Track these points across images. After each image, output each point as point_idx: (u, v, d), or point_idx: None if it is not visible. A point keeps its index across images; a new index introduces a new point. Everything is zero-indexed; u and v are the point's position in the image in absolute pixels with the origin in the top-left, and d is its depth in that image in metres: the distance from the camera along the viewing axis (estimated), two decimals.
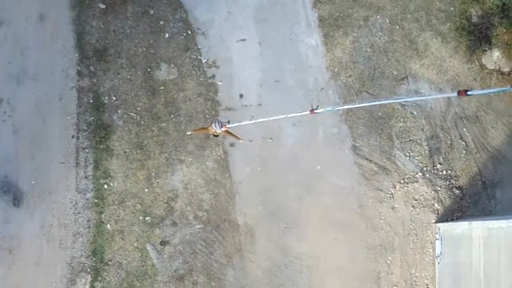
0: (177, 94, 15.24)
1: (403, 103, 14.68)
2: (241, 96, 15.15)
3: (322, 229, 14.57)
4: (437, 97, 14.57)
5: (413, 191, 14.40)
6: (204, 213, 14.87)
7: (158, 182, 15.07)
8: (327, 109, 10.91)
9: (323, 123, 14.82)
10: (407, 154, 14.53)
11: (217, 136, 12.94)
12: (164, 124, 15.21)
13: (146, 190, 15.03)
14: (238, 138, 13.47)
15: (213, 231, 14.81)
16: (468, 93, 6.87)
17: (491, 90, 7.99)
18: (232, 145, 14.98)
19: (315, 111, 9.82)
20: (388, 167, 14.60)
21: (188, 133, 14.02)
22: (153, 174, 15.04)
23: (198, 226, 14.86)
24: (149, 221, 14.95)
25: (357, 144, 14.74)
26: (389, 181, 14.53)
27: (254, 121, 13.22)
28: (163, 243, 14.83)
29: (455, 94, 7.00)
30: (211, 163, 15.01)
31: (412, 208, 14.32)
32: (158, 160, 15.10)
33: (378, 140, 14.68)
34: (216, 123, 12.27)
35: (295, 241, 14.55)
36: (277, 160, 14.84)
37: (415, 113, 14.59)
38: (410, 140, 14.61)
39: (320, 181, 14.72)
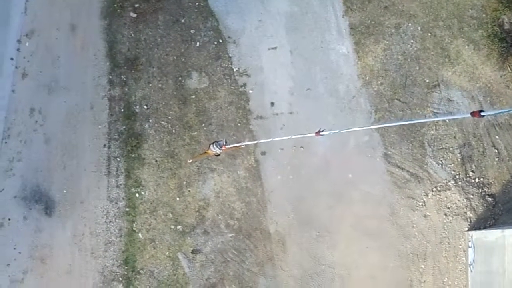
0: (208, 103, 17.76)
1: (435, 110, 17.12)
2: (272, 104, 17.63)
3: (354, 238, 16.70)
4: (448, 118, 16.63)
5: (445, 199, 16.65)
6: (236, 222, 17.15)
7: (189, 191, 17.45)
8: (333, 131, 11.91)
9: (355, 131, 16.98)
10: (440, 162, 16.88)
11: (218, 155, 14.89)
12: (196, 133, 17.66)
13: (178, 199, 17.38)
14: (239, 147, 15.85)
15: (245, 240, 17.06)
16: (482, 114, 7.45)
17: (503, 110, 9.12)
18: (263, 153, 17.36)
19: (321, 133, 10.91)
20: (420, 175, 16.88)
21: (189, 161, 16.18)
22: (184, 183, 17.47)
23: (230, 235, 17.12)
24: (181, 229, 17.28)
25: (389, 152, 17.08)
26: (421, 189, 16.78)
27: (255, 141, 15.59)
28: (195, 251, 17.16)
29: (468, 115, 7.61)
30: (242, 172, 17.38)
31: (444, 216, 16.54)
32: (189, 169, 17.53)
33: (410, 148, 17.02)
34: (214, 145, 13.92)
35: (326, 249, 16.72)
36: (308, 168, 17.13)
37: (447, 120, 16.94)
38: (442, 148, 16.93)
39: (351, 189, 16.91)
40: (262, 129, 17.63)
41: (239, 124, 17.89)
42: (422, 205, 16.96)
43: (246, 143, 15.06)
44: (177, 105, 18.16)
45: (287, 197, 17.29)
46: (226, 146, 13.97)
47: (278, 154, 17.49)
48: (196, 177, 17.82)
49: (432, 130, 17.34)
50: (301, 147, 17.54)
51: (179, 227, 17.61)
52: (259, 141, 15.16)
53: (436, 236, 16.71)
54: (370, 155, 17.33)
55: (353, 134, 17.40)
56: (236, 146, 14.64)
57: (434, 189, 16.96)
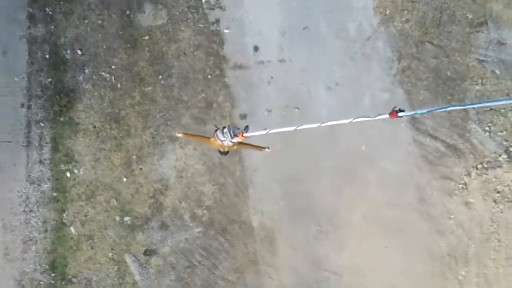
0: (167, 46, 14.39)
1: (481, 57, 13.84)
2: (256, 49, 14.27)
3: (368, 233, 13.93)
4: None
5: (494, 180, 13.79)
6: (205, 212, 14.09)
7: (141, 168, 14.22)
8: (418, 111, 9.02)
9: (370, 85, 13.91)
10: (487, 128, 13.82)
11: (225, 153, 10.30)
12: (150, 88, 14.31)
13: (125, 179, 14.23)
14: (262, 148, 10.98)
15: (218, 237, 14.06)
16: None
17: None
18: (243, 117, 14.00)
19: (399, 114, 8.01)
20: (460, 147, 13.84)
21: (178, 134, 11.60)
22: (134, 157, 14.20)
23: (197, 230, 14.11)
24: (129, 222, 14.18)
25: (417, 116, 13.92)
26: (461, 166, 13.87)
27: (292, 127, 10.27)
28: (149, 253, 14.11)
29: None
30: None
31: (493, 204, 13.77)
32: (141, 138, 14.27)
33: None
34: (225, 131, 9.33)
35: (331, 250, 13.97)
36: (306, 138, 13.89)
37: (497, 72, 13.80)
38: (491, 109, 13.87)
39: (365, 166, 14.00)
40: (242, 84, 14.33)
41: (209, 77, 14.33)
42: (462, 188, 13.88)
43: (273, 130, 8.93)
44: (124, 50, 14.55)
45: (276, 177, 14.14)
46: (245, 135, 9.13)
47: (264, 118, 14.08)
48: (150, 149, 14.28)
49: (477, 84, 13.93)
50: (296, 107, 14.19)
51: (126, 218, 14.30)
52: (299, 127, 9.70)
53: (482, 231, 13.84)
54: (391, 121, 13.67)
55: (369, 89, 14.06)
56: (260, 134, 9.11)
57: (479, 167, 13.85)
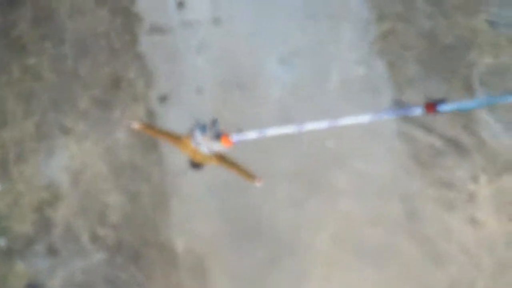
0: (58, 1, 11.47)
1: (495, 19, 10.93)
2: (180, 4, 11.31)
3: (339, 261, 11.02)
4: None
5: (511, 188, 10.85)
6: (111, 231, 11.16)
7: (21, 171, 11.29)
8: (471, 103, 6.97)
9: (339, 56, 10.91)
10: (501, 117, 10.91)
11: (197, 166, 7.99)
12: (34, 59, 11.35)
13: None
14: (252, 178, 8.29)
15: (128, 265, 11.14)
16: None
17: None
18: (163, 99, 10.94)
19: (439, 108, 6.55)
20: (464, 143, 10.90)
21: (135, 126, 9.15)
22: (11, 156, 11.29)
23: (99, 256, 11.17)
24: (4, 246, 11.21)
25: (404, 99, 10.90)
26: (466, 169, 10.91)
27: (292, 127, 7.28)
28: (32, 287, 11.17)
29: None
30: (123, 135, 11.17)
31: (508, 221, 10.86)
32: (21, 128, 11.37)
33: (444, 89, 10.80)
34: (202, 130, 7.26)
35: (286, 284, 11.03)
36: (250, 127, 10.78)
37: None
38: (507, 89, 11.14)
39: (334, 170, 11.12)
40: (161, 53, 11.53)
41: (116, 44, 11.49)
42: (467, 199, 11.00)
43: (269, 132, 7.82)
44: None
45: (209, 183, 11.22)
46: (233, 139, 7.22)
47: (191, 100, 11.22)
48: (34, 144, 11.45)
49: (488, 56, 10.98)
50: (237, 86, 11.32)
51: (0, 240, 11.50)
52: (285, 131, 8.31)
53: (493, 259, 10.91)
54: (369, 102, 11.21)
55: (336, 61, 11.27)
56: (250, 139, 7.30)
57: (490, 170, 11.00)
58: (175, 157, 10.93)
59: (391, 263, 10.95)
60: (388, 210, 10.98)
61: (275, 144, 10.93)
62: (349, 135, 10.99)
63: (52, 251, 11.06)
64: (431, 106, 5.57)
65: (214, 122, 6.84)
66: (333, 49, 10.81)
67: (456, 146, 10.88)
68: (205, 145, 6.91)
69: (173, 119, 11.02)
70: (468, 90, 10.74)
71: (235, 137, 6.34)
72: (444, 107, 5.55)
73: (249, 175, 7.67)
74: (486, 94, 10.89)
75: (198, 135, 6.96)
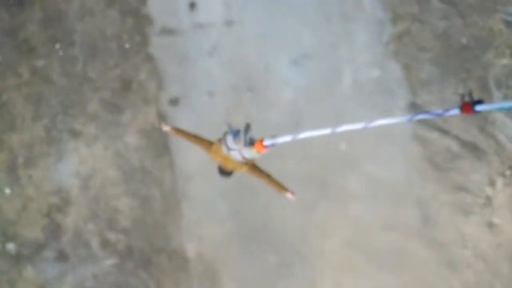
0: (67, 2, 11.27)
1: (511, 19, 10.60)
2: (192, 6, 11.09)
3: (351, 267, 10.78)
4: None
5: None
6: (121, 237, 10.98)
7: (30, 175, 11.07)
8: (499, 105, 6.37)
9: (353, 58, 10.70)
10: None
11: (227, 174, 7.55)
12: (42, 61, 11.12)
13: (8, 191, 11.13)
14: (284, 191, 7.74)
15: (139, 271, 10.98)
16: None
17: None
18: (174, 102, 10.71)
19: (477, 108, 5.74)
20: (480, 146, 10.70)
21: (165, 128, 8.80)
22: (20, 160, 11.07)
23: (109, 262, 11.02)
24: (13, 251, 11.07)
25: (419, 101, 10.82)
26: (482, 172, 10.72)
27: (327, 130, 6.94)
28: None
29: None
30: (134, 138, 10.95)
31: None
32: (30, 132, 11.16)
33: (460, 92, 10.68)
34: (234, 138, 6.71)
35: None
36: (261, 132, 10.68)
37: None
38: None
39: (346, 173, 10.87)
40: (172, 56, 11.29)
41: (127, 46, 11.21)
42: (484, 204, 10.84)
43: (302, 135, 6.25)
44: (5, 7, 11.54)
45: (220, 188, 10.94)
46: (266, 144, 6.40)
47: (202, 103, 10.99)
48: (43, 148, 11.18)
49: (505, 56, 10.72)
50: (248, 89, 11.06)
51: (10, 246, 11.29)
52: (319, 133, 6.72)
53: (511, 264, 10.74)
54: (383, 105, 10.94)
55: (350, 64, 11.02)
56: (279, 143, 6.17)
57: (507, 173, 10.78)
58: (186, 161, 10.79)
59: (405, 269, 10.76)
60: (402, 215, 10.80)
61: (287, 146, 10.77)
62: (362, 138, 10.61)
63: (61, 257, 10.92)
64: (468, 106, 5.31)
65: (248, 127, 6.48)
66: (346, 51, 10.62)
67: (472, 149, 10.69)
68: (238, 152, 6.59)
69: (185, 122, 10.76)
70: (485, 91, 10.52)
71: (268, 142, 6.04)
72: (482, 107, 5.32)
73: (281, 187, 7.35)
74: (503, 96, 10.75)
75: (231, 141, 6.52)
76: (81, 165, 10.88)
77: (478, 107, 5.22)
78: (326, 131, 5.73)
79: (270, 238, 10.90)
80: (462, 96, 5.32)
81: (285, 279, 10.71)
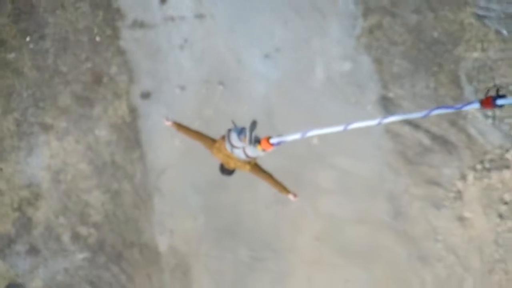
0: None
1: (484, 13, 10.61)
2: (163, 0, 11.04)
3: (322, 261, 10.90)
4: None
5: (500, 186, 10.86)
6: (92, 231, 11.07)
7: (0, 169, 11.22)
8: None
9: (324, 52, 10.68)
10: (489, 114, 10.69)
11: (229, 172, 7.21)
12: (13, 54, 11.20)
13: None
14: (287, 192, 7.54)
15: (110, 265, 11.13)
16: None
17: None
18: (146, 95, 10.75)
19: (498, 102, 5.57)
20: (451, 140, 10.75)
21: (167, 123, 8.53)
22: None
23: (81, 256, 11.19)
24: None
25: (391, 95, 10.81)
26: (453, 166, 10.82)
27: (340, 127, 6.81)
28: None
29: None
30: (105, 132, 10.99)
31: (498, 220, 10.80)
32: (0, 125, 11.32)
33: (431, 86, 10.75)
34: (239, 135, 6.46)
35: (269, 284, 10.89)
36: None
37: (504, 32, 10.54)
38: (494, 86, 10.58)
39: (318, 168, 10.97)
40: (143, 49, 11.27)
41: (97, 39, 11.23)
42: (455, 197, 10.89)
43: (312, 132, 6.03)
44: None
45: (192, 182, 11.11)
46: (274, 142, 6.19)
47: (174, 97, 11.00)
48: (14, 141, 11.31)
49: (476, 51, 10.67)
50: (220, 83, 11.00)
51: None
52: (328, 131, 6.61)
53: (483, 259, 10.89)
54: (354, 99, 10.95)
55: (322, 57, 10.92)
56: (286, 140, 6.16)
57: (478, 167, 10.83)
58: (157, 155, 10.80)
59: (376, 263, 10.85)
60: (373, 209, 10.88)
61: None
62: (339, 137, 10.71)
63: (33, 251, 10.98)
64: (489, 100, 5.24)
65: (254, 125, 6.27)
66: (318, 44, 10.60)
67: (443, 143, 10.74)
68: (241, 150, 6.40)
69: (156, 116, 10.78)
70: (456, 85, 10.53)
71: (275, 140, 5.88)
72: (503, 101, 5.27)
73: (282, 187, 7.23)
74: (474, 89, 10.76)
75: (235, 139, 6.28)
76: (52, 159, 10.90)
77: (499, 101, 5.16)
78: (338, 128, 5.60)
79: (242, 232, 10.93)
80: (487, 90, 5.29)
81: (257, 273, 10.78)
